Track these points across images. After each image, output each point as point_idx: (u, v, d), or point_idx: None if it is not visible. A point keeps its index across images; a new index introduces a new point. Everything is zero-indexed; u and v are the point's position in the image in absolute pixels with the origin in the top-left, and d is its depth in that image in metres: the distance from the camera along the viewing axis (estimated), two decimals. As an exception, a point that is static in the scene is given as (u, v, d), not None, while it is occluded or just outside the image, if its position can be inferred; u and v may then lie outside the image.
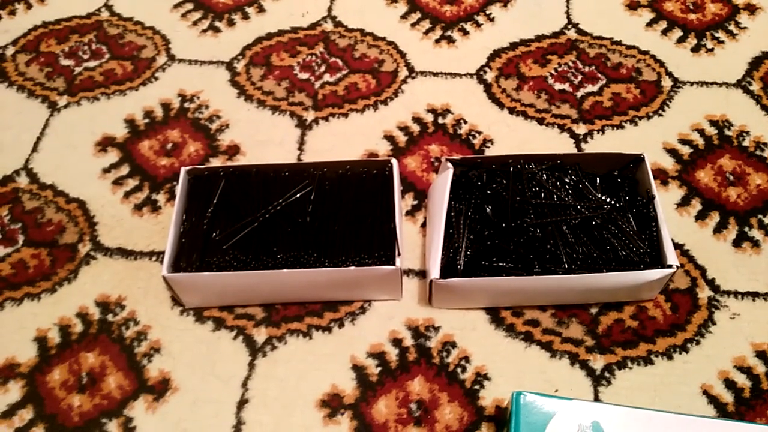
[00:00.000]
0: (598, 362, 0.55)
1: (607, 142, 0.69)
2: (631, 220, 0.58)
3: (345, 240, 0.57)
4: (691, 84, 0.73)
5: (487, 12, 0.81)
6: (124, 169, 0.68)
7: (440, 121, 0.71)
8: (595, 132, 0.69)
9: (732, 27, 0.79)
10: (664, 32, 0.78)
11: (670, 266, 0.53)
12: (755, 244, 0.62)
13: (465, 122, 0.71)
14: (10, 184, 0.67)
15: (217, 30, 0.80)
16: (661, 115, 0.71)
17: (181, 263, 0.56)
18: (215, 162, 0.68)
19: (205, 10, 0.82)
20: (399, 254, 0.54)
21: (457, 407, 0.53)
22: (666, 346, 0.56)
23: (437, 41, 0.78)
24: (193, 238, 0.57)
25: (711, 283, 0.59)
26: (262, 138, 0.70)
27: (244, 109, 0.73)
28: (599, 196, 0.59)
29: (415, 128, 0.70)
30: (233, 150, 0.69)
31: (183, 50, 0.78)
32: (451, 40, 0.78)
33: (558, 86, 0.73)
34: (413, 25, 0.80)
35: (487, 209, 0.58)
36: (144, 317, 0.58)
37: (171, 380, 0.55)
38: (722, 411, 0.53)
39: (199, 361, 0.56)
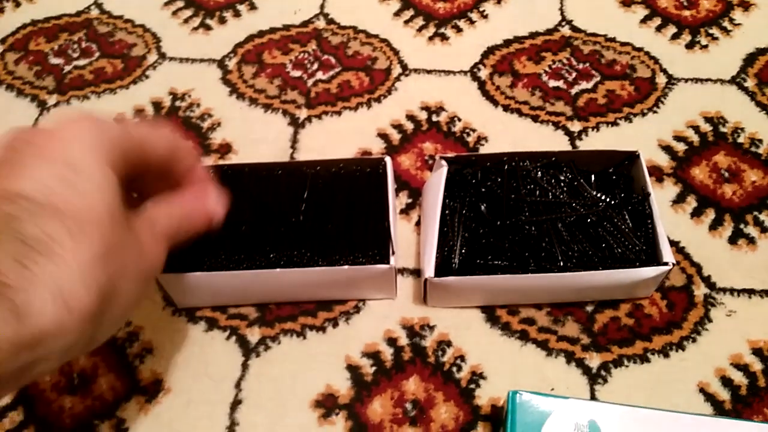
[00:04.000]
0: (594, 360, 0.55)
1: (602, 139, 0.68)
2: (627, 217, 0.57)
3: (339, 239, 0.56)
4: (686, 81, 0.73)
5: (481, 9, 0.81)
6: (115, 169, 0.67)
7: (434, 118, 0.70)
8: (590, 129, 0.69)
9: (726, 23, 0.79)
10: (659, 29, 0.78)
11: (665, 264, 0.53)
12: (751, 241, 0.61)
13: (459, 120, 0.70)
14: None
15: (208, 28, 0.79)
16: (655, 111, 0.71)
17: (173, 263, 0.55)
18: (207, 161, 0.68)
19: (195, 7, 0.81)
20: (393, 253, 0.54)
21: (452, 406, 0.53)
22: (662, 343, 0.56)
23: (430, 38, 0.78)
24: (185, 237, 0.57)
25: (707, 281, 0.59)
26: (255, 136, 0.70)
27: (236, 107, 0.72)
28: (594, 193, 0.58)
29: (409, 126, 0.70)
30: (225, 148, 0.69)
31: (174, 48, 0.77)
32: (444, 38, 0.78)
33: (552, 83, 0.73)
34: (406, 22, 0.80)
35: (482, 207, 0.58)
36: (136, 317, 0.58)
37: (163, 381, 0.55)
38: (719, 409, 0.52)
39: (191, 361, 0.56)
